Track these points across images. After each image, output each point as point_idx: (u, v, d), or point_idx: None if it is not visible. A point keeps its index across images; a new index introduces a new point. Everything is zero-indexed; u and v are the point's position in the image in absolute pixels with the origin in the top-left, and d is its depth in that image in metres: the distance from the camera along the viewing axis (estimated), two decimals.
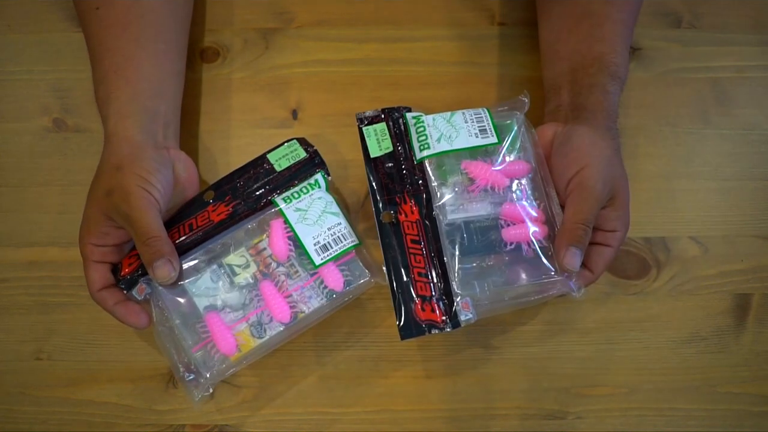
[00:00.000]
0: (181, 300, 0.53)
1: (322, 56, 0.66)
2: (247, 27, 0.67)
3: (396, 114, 0.57)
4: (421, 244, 0.53)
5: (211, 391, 0.53)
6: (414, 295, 0.52)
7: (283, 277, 0.54)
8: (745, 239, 0.63)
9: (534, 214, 0.54)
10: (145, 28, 0.57)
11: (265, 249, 0.55)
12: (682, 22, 0.68)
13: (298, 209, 0.54)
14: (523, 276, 0.53)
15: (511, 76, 0.66)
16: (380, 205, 0.55)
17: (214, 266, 0.54)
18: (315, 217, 0.54)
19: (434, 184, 0.55)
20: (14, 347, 0.60)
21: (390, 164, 0.56)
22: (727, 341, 0.61)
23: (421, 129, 0.56)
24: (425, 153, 0.55)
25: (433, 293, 0.52)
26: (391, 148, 0.56)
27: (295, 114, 0.65)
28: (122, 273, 0.53)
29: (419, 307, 0.51)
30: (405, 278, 0.52)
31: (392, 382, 0.59)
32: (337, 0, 0.67)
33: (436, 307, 0.52)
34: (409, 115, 0.57)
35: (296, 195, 0.55)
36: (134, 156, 0.53)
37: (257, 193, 0.56)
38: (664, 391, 0.59)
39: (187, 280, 0.54)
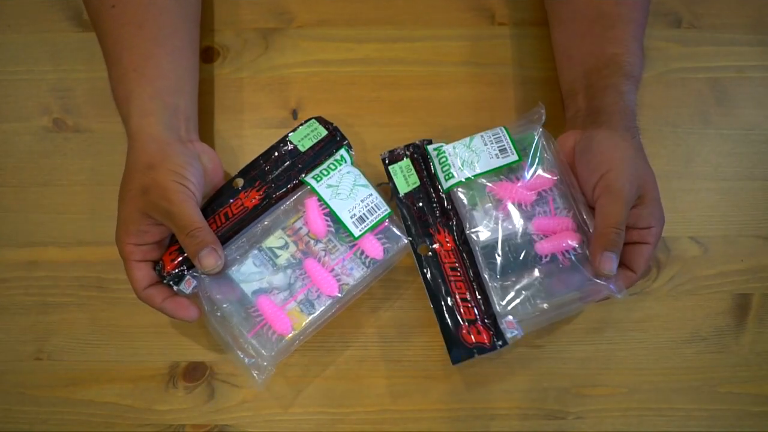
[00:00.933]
0: (229, 288, 0.54)
1: (322, 56, 0.66)
2: (247, 27, 0.67)
3: (417, 148, 0.59)
4: (459, 270, 0.55)
5: (273, 371, 0.53)
6: (460, 320, 0.53)
7: (323, 253, 0.55)
8: (745, 239, 0.63)
9: (564, 223, 0.54)
10: (160, 26, 0.57)
11: (301, 228, 0.56)
12: (682, 22, 0.68)
13: (329, 185, 0.55)
14: (563, 286, 0.53)
15: (512, 76, 0.66)
16: (417, 239, 0.56)
17: (255, 251, 0.55)
18: (347, 192, 0.55)
19: (464, 210, 0.56)
20: (14, 347, 0.60)
21: (420, 197, 0.57)
22: (727, 341, 0.60)
23: (444, 159, 0.57)
24: (450, 182, 0.56)
25: (477, 316, 0.54)
26: (418, 183, 0.58)
27: (295, 114, 0.65)
28: (166, 269, 0.54)
29: (466, 331, 0.53)
30: (449, 305, 0.54)
31: (392, 382, 0.59)
32: (336, 0, 0.67)
33: (482, 329, 0.53)
34: (429, 148, 0.58)
35: (325, 172, 0.56)
36: (164, 152, 0.53)
37: (286, 174, 0.56)
38: (664, 391, 0.59)
39: (232, 268, 0.54)
